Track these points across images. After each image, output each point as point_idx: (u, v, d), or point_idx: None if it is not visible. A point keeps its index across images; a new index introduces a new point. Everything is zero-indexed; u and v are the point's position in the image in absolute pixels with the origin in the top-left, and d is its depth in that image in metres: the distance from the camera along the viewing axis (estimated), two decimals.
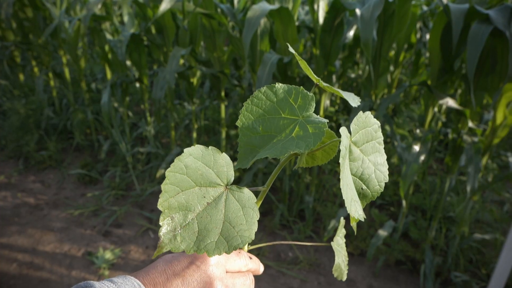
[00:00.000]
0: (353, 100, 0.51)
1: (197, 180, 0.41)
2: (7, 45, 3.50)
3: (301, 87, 0.48)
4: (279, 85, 0.48)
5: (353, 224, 0.50)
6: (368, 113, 0.48)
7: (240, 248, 0.48)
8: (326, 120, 0.45)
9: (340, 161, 0.45)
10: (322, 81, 0.50)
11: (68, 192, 2.94)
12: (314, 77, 0.51)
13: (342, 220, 0.60)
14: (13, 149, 3.42)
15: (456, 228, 2.05)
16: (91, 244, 2.38)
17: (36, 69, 3.84)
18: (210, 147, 0.43)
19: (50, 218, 2.63)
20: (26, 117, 3.41)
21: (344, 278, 0.60)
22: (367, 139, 0.49)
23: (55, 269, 2.18)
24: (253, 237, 0.41)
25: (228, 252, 0.40)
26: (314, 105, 0.47)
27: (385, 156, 0.51)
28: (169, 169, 0.40)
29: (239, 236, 0.41)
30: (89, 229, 2.52)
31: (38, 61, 3.64)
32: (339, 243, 0.59)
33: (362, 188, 0.50)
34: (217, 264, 0.47)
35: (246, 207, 0.42)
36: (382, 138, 0.51)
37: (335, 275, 0.59)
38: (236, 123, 0.47)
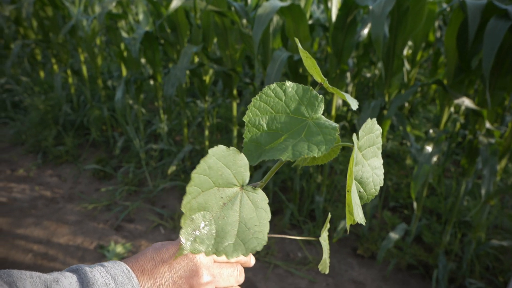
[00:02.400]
0: (353, 103, 0.51)
1: (217, 181, 0.41)
2: (28, 43, 3.60)
3: (311, 87, 0.47)
4: (288, 83, 0.47)
5: (349, 225, 0.49)
6: (374, 119, 0.49)
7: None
8: (337, 125, 0.44)
9: (352, 168, 0.45)
10: (327, 82, 0.49)
11: (83, 187, 2.99)
12: (319, 77, 0.49)
13: (329, 216, 0.59)
14: (32, 143, 3.51)
15: (472, 233, 1.98)
16: (103, 237, 2.42)
17: (55, 67, 3.92)
18: (231, 148, 0.42)
19: (65, 211, 2.68)
20: (45, 113, 3.49)
21: (327, 271, 0.59)
22: (369, 144, 0.50)
23: (68, 260, 2.21)
24: (266, 239, 0.41)
25: (246, 254, 0.40)
26: (323, 107, 0.46)
27: (381, 160, 0.52)
28: (194, 170, 0.40)
29: (254, 239, 0.41)
30: (102, 223, 2.55)
31: (58, 58, 3.72)
32: (324, 238, 0.58)
33: (359, 191, 0.51)
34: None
35: (259, 208, 0.42)
36: (381, 143, 0.52)
37: (320, 269, 0.58)
38: (243, 118, 0.47)
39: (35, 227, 2.50)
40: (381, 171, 0.52)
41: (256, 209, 0.42)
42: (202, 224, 0.40)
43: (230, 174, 0.41)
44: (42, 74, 4.48)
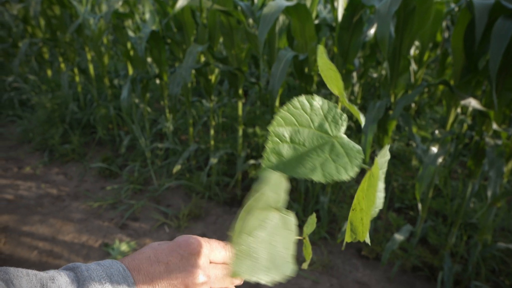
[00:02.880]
0: (362, 119, 0.51)
1: (262, 205, 0.41)
2: (35, 42, 3.62)
3: (336, 104, 0.46)
4: (317, 98, 0.46)
5: (347, 241, 0.50)
6: (388, 146, 0.49)
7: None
8: (360, 148, 0.44)
9: (364, 189, 0.45)
10: (345, 97, 0.48)
11: (88, 185, 3.00)
12: (338, 90, 0.48)
13: (314, 216, 0.60)
14: (39, 142, 3.54)
15: (478, 235, 1.97)
16: (108, 235, 2.43)
17: (63, 65, 3.95)
18: (281, 175, 0.42)
19: (71, 209, 2.69)
20: (52, 111, 3.51)
21: (306, 267, 0.59)
22: (380, 168, 0.50)
23: (72, 258, 2.23)
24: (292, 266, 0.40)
25: (279, 279, 0.38)
26: (346, 127, 0.45)
27: (384, 184, 0.52)
28: (249, 199, 0.40)
29: (286, 263, 0.40)
30: (107, 221, 2.57)
31: (65, 57, 3.74)
32: (307, 234, 0.59)
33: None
34: (200, 253, 0.48)
35: (288, 230, 0.42)
36: (387, 168, 0.52)
37: (303, 265, 0.59)
38: (268, 127, 0.46)
39: (41, 224, 2.52)
40: (382, 194, 0.52)
41: (287, 232, 0.41)
42: (249, 244, 0.39)
43: (274, 198, 0.41)
44: (49, 72, 4.51)
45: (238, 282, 0.54)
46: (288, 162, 0.43)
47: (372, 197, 0.51)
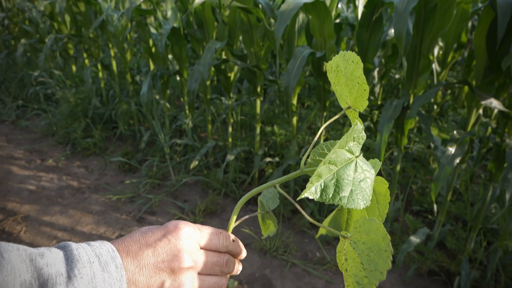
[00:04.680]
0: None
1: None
2: (60, 37, 3.72)
3: (359, 124, 0.46)
4: (358, 122, 0.47)
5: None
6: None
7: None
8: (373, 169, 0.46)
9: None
10: (357, 112, 0.48)
11: (108, 178, 3.07)
12: (352, 102, 0.48)
13: (276, 194, 0.61)
14: (62, 135, 3.63)
15: (499, 241, 1.91)
16: (125, 228, 2.47)
17: (87, 61, 4.04)
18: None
19: (90, 201, 2.76)
20: (76, 106, 3.60)
21: (264, 235, 0.62)
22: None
23: None
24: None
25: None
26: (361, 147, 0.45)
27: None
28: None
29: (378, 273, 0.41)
30: (125, 214, 2.61)
31: (89, 53, 3.83)
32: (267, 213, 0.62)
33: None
34: (188, 239, 0.49)
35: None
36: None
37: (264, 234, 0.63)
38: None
39: (61, 215, 2.59)
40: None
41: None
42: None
43: None
44: (74, 68, 4.63)
45: (232, 271, 0.54)
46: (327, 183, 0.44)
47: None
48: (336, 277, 2.10)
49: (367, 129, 2.87)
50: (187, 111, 3.14)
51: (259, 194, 0.62)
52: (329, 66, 0.49)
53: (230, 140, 2.85)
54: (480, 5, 2.70)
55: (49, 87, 4.41)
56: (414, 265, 2.05)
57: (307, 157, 0.50)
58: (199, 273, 0.50)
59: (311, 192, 0.42)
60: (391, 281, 2.07)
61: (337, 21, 2.67)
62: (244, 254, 0.57)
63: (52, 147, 3.57)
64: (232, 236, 0.55)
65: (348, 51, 0.47)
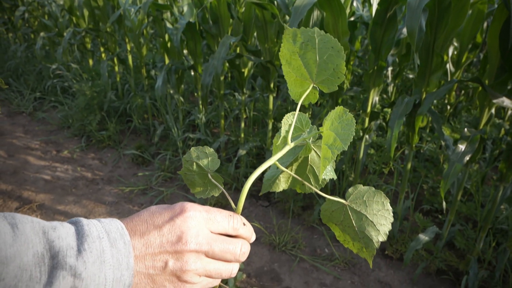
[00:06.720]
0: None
1: None
2: (78, 31, 3.79)
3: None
4: None
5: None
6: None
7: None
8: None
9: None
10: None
11: (122, 171, 3.12)
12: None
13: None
14: (77, 127, 3.71)
15: (508, 241, 1.90)
16: None
17: (103, 55, 4.11)
18: None
19: (103, 192, 2.81)
20: (91, 99, 3.67)
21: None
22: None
23: None
24: None
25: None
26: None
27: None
28: None
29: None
30: (137, 206, 2.66)
31: (106, 47, 3.89)
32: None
33: None
34: (193, 220, 0.49)
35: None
36: None
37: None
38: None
39: (75, 205, 2.65)
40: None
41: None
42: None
43: None
44: (90, 62, 4.71)
45: (243, 256, 0.52)
46: None
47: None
48: (344, 273, 2.12)
49: (379, 128, 2.87)
50: (201, 106, 3.18)
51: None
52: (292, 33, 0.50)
53: (242, 135, 2.88)
54: (496, 6, 2.67)
55: (66, 80, 4.50)
56: (422, 263, 2.06)
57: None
58: (207, 256, 0.49)
59: None
60: (399, 279, 2.08)
61: (352, 19, 2.67)
62: (253, 238, 0.56)
63: (68, 139, 3.64)
64: (243, 220, 0.54)
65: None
